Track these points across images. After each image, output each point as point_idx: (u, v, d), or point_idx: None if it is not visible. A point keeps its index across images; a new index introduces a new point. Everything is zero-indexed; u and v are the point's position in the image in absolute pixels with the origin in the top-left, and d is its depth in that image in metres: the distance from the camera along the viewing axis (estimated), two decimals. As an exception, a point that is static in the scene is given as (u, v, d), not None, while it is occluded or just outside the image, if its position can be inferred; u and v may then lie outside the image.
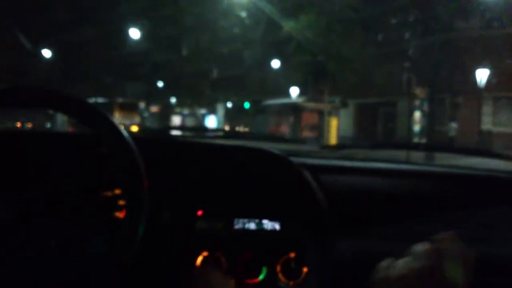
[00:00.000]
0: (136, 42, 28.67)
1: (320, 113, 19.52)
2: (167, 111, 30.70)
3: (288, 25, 18.31)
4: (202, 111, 29.87)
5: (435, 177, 1.43)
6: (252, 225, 1.22)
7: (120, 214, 1.11)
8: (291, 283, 1.19)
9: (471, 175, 1.47)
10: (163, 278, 1.15)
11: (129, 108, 23.05)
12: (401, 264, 0.68)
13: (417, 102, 15.89)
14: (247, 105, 25.80)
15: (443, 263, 0.63)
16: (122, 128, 0.97)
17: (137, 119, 23.46)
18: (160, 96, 30.65)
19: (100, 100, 21.98)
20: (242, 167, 1.27)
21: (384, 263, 0.72)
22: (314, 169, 1.34)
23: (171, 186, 1.20)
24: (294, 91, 22.18)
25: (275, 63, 26.13)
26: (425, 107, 15.62)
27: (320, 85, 18.90)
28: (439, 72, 15.01)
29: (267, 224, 1.23)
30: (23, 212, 1.02)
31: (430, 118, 15.55)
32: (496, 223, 1.29)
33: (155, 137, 1.53)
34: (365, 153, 1.80)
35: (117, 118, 20.94)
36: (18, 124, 19.66)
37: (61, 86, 24.61)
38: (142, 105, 25.41)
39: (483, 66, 15.03)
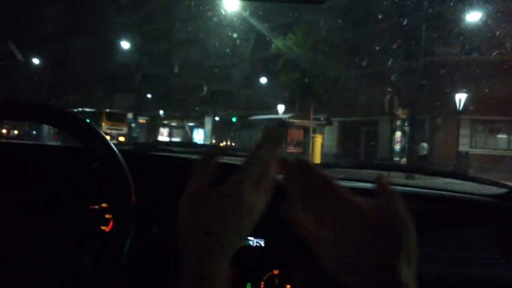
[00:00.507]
0: (126, 54, 28.70)
1: (305, 130, 19.75)
2: (155, 122, 30.52)
3: (276, 43, 18.67)
4: (190, 123, 29.74)
5: (413, 198, 1.45)
6: None
7: (106, 228, 1.11)
8: None
9: (448, 196, 1.48)
10: None
11: (117, 119, 22.78)
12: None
13: (398, 122, 16.26)
14: (234, 119, 25.92)
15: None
16: (111, 142, 0.96)
17: (124, 129, 23.19)
18: (148, 108, 30.61)
19: (88, 109, 21.83)
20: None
21: None
22: None
23: (159, 201, 1.17)
24: (281, 107, 22.51)
25: (263, 80, 26.51)
26: (406, 127, 15.96)
27: (306, 103, 19.16)
28: (420, 94, 15.44)
29: (253, 241, 1.22)
30: (9, 224, 1.03)
31: (410, 138, 15.91)
32: (471, 244, 1.33)
33: (144, 152, 1.51)
34: (348, 172, 1.85)
35: (105, 127, 20.83)
36: (5, 131, 19.57)
37: (50, 96, 24.56)
38: (130, 115, 25.20)
39: (461, 90, 15.48)
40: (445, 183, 1.87)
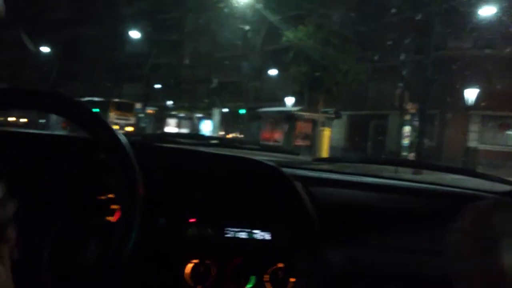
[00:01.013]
0: (136, 43, 28.73)
1: (314, 123, 19.69)
2: (163, 113, 30.63)
3: (287, 35, 18.57)
4: (198, 115, 29.81)
5: (420, 193, 1.49)
6: (242, 234, 1.22)
7: (112, 218, 1.12)
8: None
9: (454, 192, 1.51)
10: (153, 284, 1.15)
11: (125, 109, 22.85)
12: None
13: (407, 117, 16.14)
14: (243, 111, 25.90)
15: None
16: (119, 132, 0.97)
17: (132, 119, 23.28)
18: (157, 98, 30.69)
19: (96, 99, 21.90)
20: (236, 176, 1.28)
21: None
22: (305, 181, 1.35)
23: (165, 192, 1.20)
24: (290, 100, 22.43)
25: (273, 72, 26.42)
26: (415, 122, 15.85)
27: (315, 96, 19.11)
28: (431, 89, 15.29)
29: (258, 233, 1.23)
30: (16, 214, 1.12)
31: (420, 133, 15.79)
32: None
33: (152, 143, 1.52)
34: (356, 166, 1.88)
35: (113, 117, 20.90)
36: (13, 119, 19.71)
37: (58, 85, 24.70)
38: (138, 106, 25.26)
39: (472, 85, 15.32)
40: (452, 179, 1.89)
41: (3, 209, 0.59)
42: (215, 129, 26.25)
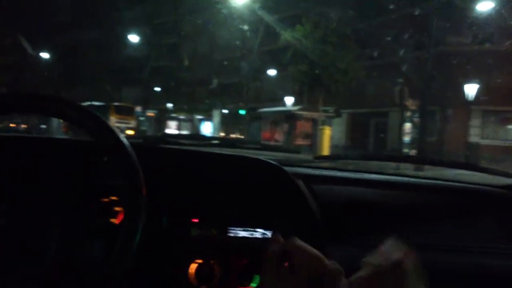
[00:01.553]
0: (135, 47, 28.80)
1: (314, 122, 19.69)
2: (164, 115, 30.68)
3: (285, 35, 18.59)
4: (198, 116, 29.87)
5: (423, 189, 1.48)
6: (246, 233, 1.22)
7: (115, 221, 1.12)
8: None
9: (458, 187, 1.50)
10: (158, 284, 1.16)
11: (126, 112, 22.97)
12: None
13: (408, 114, 16.13)
14: (242, 112, 25.92)
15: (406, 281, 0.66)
16: (121, 135, 0.98)
17: (133, 122, 23.38)
18: (157, 101, 30.73)
19: (97, 103, 21.97)
20: (238, 176, 1.29)
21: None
22: (307, 179, 1.36)
23: (168, 193, 1.20)
24: (289, 100, 22.44)
25: (272, 72, 26.44)
26: (416, 118, 15.85)
27: (315, 95, 19.13)
28: (431, 85, 15.28)
29: (261, 233, 1.23)
30: (21, 217, 1.03)
31: (421, 130, 15.77)
32: (481, 233, 1.34)
33: (154, 145, 1.54)
34: (357, 163, 1.87)
35: (113, 121, 20.96)
36: (14, 125, 19.72)
37: (58, 89, 24.75)
38: (138, 109, 25.34)
39: (473, 81, 15.31)
40: (455, 174, 1.87)
41: None
42: (215, 130, 26.30)
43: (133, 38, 28.35)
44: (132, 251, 0.92)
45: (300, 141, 19.65)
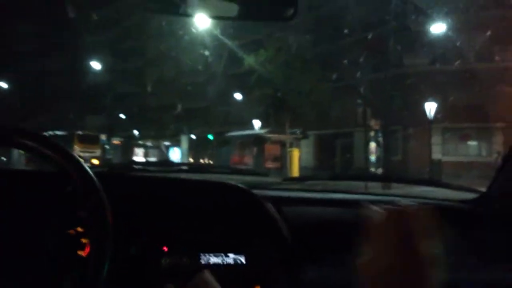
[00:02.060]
0: (98, 74, 28.43)
1: (282, 144, 19.86)
2: (130, 143, 30.21)
3: (249, 60, 18.82)
4: (166, 143, 29.55)
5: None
6: (217, 260, 1.20)
7: (82, 253, 1.09)
8: None
9: (424, 203, 1.60)
10: None
11: (90, 141, 22.45)
12: None
13: (372, 133, 16.51)
14: (211, 136, 25.86)
15: None
16: (85, 164, 0.96)
17: (98, 151, 22.87)
18: (122, 128, 30.27)
19: (59, 132, 21.41)
20: (207, 201, 1.27)
21: None
22: (277, 201, 1.34)
23: (136, 222, 1.18)
24: (257, 123, 22.58)
25: (238, 96, 26.60)
26: (380, 137, 16.24)
27: (281, 117, 19.34)
28: (391, 105, 15.73)
29: (233, 258, 1.21)
30: None
31: (385, 149, 16.16)
32: (445, 249, 1.45)
33: (119, 173, 1.51)
34: (326, 184, 1.86)
35: (77, 150, 20.44)
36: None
37: (19, 119, 24.04)
38: (103, 137, 24.86)
39: (431, 99, 15.84)
40: (420, 191, 1.91)
41: None
42: (184, 156, 26.05)
43: (96, 65, 28.01)
44: (101, 283, 0.90)
45: (270, 164, 19.77)
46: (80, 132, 22.61)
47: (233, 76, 25.66)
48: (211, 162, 24.69)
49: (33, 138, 0.94)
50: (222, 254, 1.21)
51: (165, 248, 1.18)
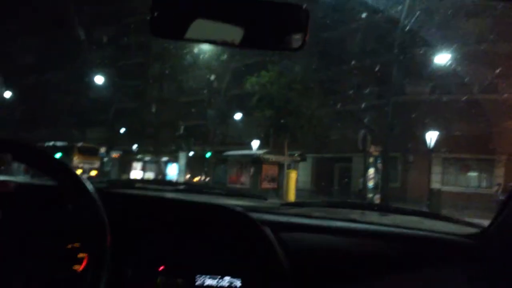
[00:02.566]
0: (100, 88, 28.57)
1: (280, 166, 19.82)
2: (128, 157, 30.20)
3: (251, 80, 18.93)
4: (164, 158, 29.55)
5: (389, 237, 1.48)
6: (213, 282, 1.20)
7: (78, 267, 1.10)
8: None
9: (423, 235, 1.51)
10: None
11: (89, 153, 22.57)
12: None
13: (371, 159, 16.49)
14: (208, 154, 25.84)
15: None
16: (86, 180, 0.95)
17: (97, 163, 22.96)
18: (121, 142, 30.30)
19: (59, 143, 21.52)
20: (204, 223, 1.28)
21: None
22: (274, 226, 1.35)
23: (133, 240, 1.18)
24: (255, 143, 22.59)
25: (238, 116, 26.70)
26: (379, 164, 16.20)
27: (280, 139, 19.34)
28: (392, 132, 15.74)
29: (228, 280, 1.21)
30: None
31: (383, 175, 16.11)
32: (444, 283, 1.36)
33: (119, 191, 1.52)
34: (324, 211, 1.85)
35: (77, 162, 20.55)
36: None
37: (21, 130, 24.10)
38: (102, 150, 24.89)
39: (432, 128, 15.85)
40: (419, 221, 1.88)
41: None
42: (181, 172, 25.97)
43: (98, 79, 28.19)
44: None
45: (266, 185, 19.67)
46: (80, 144, 22.74)
47: (235, 96, 25.83)
48: (207, 180, 24.62)
49: (30, 151, 0.95)
50: (218, 277, 1.21)
51: (161, 268, 1.18)
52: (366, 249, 1.41)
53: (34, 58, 28.77)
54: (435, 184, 17.40)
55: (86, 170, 20.43)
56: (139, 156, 30.12)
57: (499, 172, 18.19)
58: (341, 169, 22.64)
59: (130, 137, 30.62)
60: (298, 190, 17.56)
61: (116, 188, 1.60)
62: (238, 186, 20.21)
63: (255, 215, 1.34)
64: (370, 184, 16.15)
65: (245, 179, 20.83)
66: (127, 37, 31.32)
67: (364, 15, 18.52)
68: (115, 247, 0.95)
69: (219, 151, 24.09)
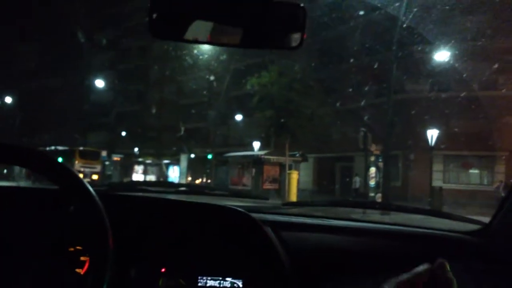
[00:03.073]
0: (101, 92, 28.64)
1: (281, 166, 19.82)
2: (130, 160, 30.24)
3: (251, 81, 18.93)
4: (165, 161, 29.58)
5: (391, 235, 1.48)
6: (215, 283, 1.20)
7: (80, 270, 1.10)
8: None
9: (424, 233, 1.51)
10: None
11: (91, 156, 22.61)
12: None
13: (372, 158, 16.48)
14: (210, 156, 25.86)
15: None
16: (87, 184, 0.95)
17: (98, 167, 22.99)
18: (123, 145, 30.34)
19: (61, 147, 21.57)
20: (206, 224, 1.28)
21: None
22: (276, 225, 1.35)
23: (136, 242, 1.18)
24: (256, 144, 22.59)
25: (239, 117, 26.71)
26: (380, 162, 16.20)
27: (281, 140, 19.34)
28: (392, 131, 15.73)
29: (230, 281, 1.21)
30: None
31: (384, 174, 16.10)
32: None
33: (121, 193, 1.52)
34: (325, 210, 1.84)
35: (78, 165, 20.60)
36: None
37: (23, 134, 24.16)
38: (104, 153, 24.94)
39: (433, 126, 15.83)
40: (421, 219, 1.87)
41: None
42: (182, 175, 25.99)
43: (99, 83, 28.23)
44: None
45: (268, 185, 19.67)
46: (81, 148, 22.79)
47: (235, 98, 25.84)
48: (209, 181, 24.63)
49: (32, 155, 0.94)
50: (220, 278, 1.21)
51: (163, 269, 1.19)
52: (368, 248, 1.41)
53: (35, 63, 28.85)
54: (437, 182, 17.37)
55: (87, 174, 20.48)
56: (140, 159, 30.15)
57: (500, 169, 18.16)
58: (343, 168, 22.63)
59: (131, 140, 30.65)
60: (299, 190, 17.57)
61: (117, 191, 1.60)
62: (240, 187, 20.21)
63: (256, 215, 1.33)
64: (372, 182, 16.14)
65: (246, 180, 20.83)
66: (127, 40, 31.37)
67: (363, 13, 18.50)
68: (117, 249, 0.94)
69: (220, 153, 24.09)
